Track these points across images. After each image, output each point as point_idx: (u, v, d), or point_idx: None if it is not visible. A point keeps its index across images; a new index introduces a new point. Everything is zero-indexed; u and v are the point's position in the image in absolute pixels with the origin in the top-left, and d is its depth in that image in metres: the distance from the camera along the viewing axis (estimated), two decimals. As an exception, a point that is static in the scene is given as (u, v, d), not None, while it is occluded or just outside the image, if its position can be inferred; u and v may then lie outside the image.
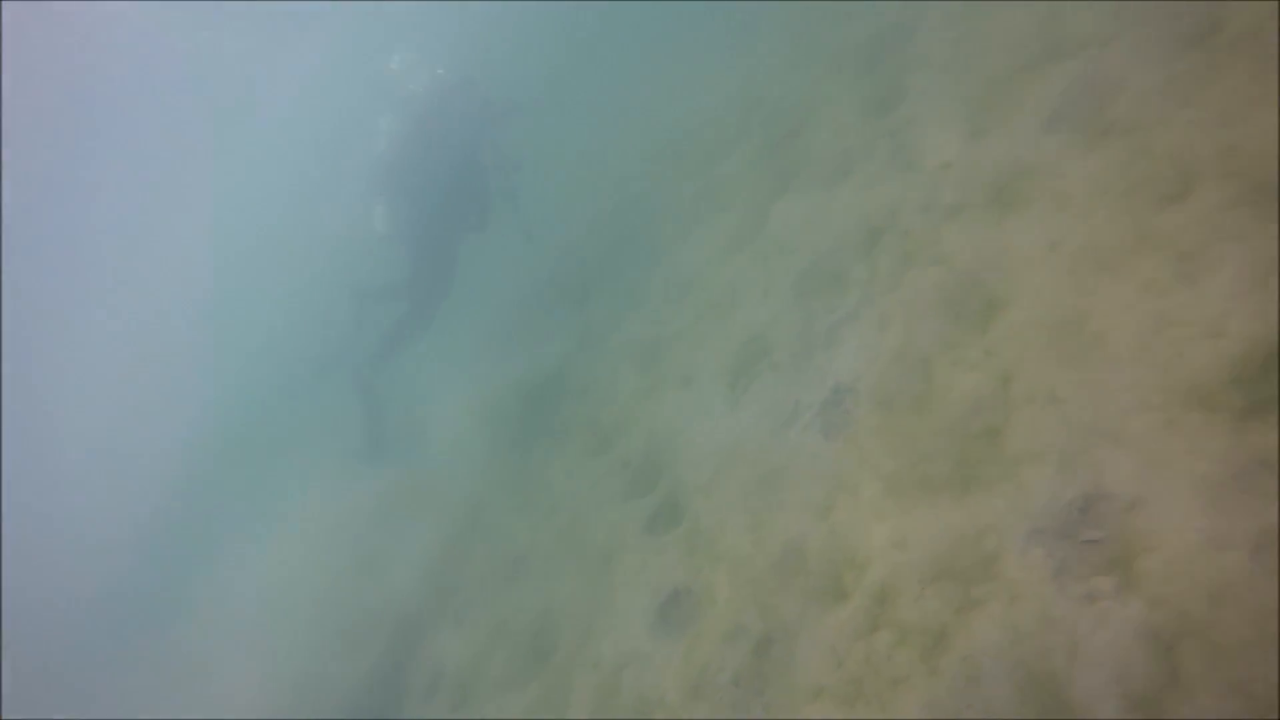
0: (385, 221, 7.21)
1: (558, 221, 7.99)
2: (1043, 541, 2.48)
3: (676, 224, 6.50)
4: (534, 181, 7.48)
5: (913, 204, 4.04)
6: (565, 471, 5.48)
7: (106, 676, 7.56)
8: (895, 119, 4.73)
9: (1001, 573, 2.54)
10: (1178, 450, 2.32)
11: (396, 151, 7.07)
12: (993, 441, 2.90)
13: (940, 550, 2.77)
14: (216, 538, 8.47)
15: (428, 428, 7.48)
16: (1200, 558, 2.10)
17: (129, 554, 9.49)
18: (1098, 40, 3.68)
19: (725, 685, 3.22)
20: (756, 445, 3.97)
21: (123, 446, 12.13)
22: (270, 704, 6.03)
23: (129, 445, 12.00)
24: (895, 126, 4.66)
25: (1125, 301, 2.74)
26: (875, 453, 3.30)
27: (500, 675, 4.67)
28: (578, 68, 11.70)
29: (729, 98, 7.38)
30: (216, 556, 8.19)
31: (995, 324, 3.18)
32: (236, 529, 8.35)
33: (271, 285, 13.30)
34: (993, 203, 3.59)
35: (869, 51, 5.57)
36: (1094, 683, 2.13)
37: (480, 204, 7.30)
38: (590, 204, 8.59)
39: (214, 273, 14.88)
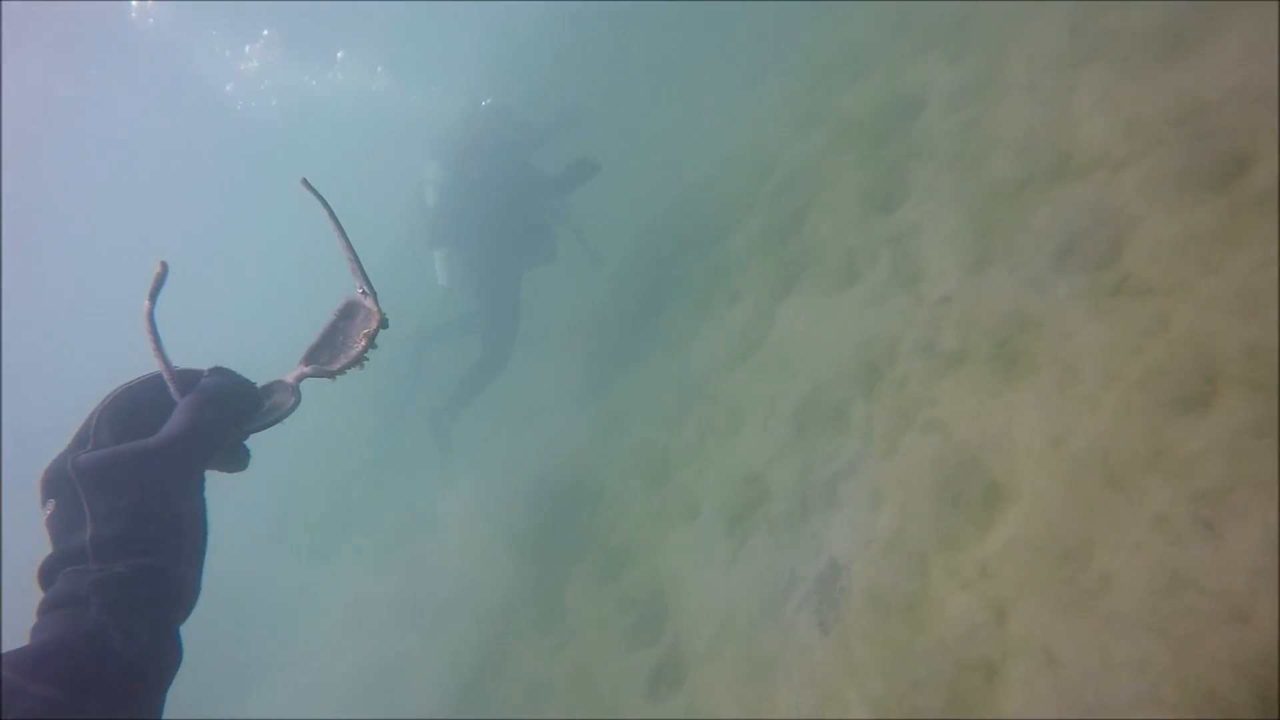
0: (446, 273, 7.10)
1: (593, 272, 7.81)
2: None
3: (690, 307, 6.17)
4: (584, 206, 7.34)
5: (912, 341, 3.63)
6: (579, 593, 5.26)
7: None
8: (899, 221, 4.29)
9: None
10: (1192, 774, 1.92)
11: (446, 199, 6.83)
12: (988, 683, 2.53)
13: (929, 828, 2.42)
14: (253, 635, 8.60)
15: (445, 523, 7.38)
16: None
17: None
18: (1109, 162, 3.20)
19: None
20: (752, 618, 3.65)
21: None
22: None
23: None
24: (898, 231, 4.23)
25: (1135, 538, 2.32)
26: (865, 664, 2.95)
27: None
28: (599, 104, 11.41)
29: (740, 155, 6.97)
30: (252, 653, 8.32)
31: (995, 525, 2.78)
32: (275, 621, 8.47)
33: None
34: (995, 358, 3.17)
35: (876, 126, 5.11)
36: None
37: (543, 233, 7.15)
38: (611, 264, 8.31)
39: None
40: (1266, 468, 2.10)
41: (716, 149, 7.65)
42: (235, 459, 0.96)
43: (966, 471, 3.01)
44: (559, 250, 7.38)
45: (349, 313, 1.08)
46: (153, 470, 0.81)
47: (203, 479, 0.89)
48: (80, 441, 0.84)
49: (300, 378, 1.04)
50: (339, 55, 11.37)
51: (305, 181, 1.07)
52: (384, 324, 1.07)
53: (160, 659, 0.78)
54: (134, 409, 0.88)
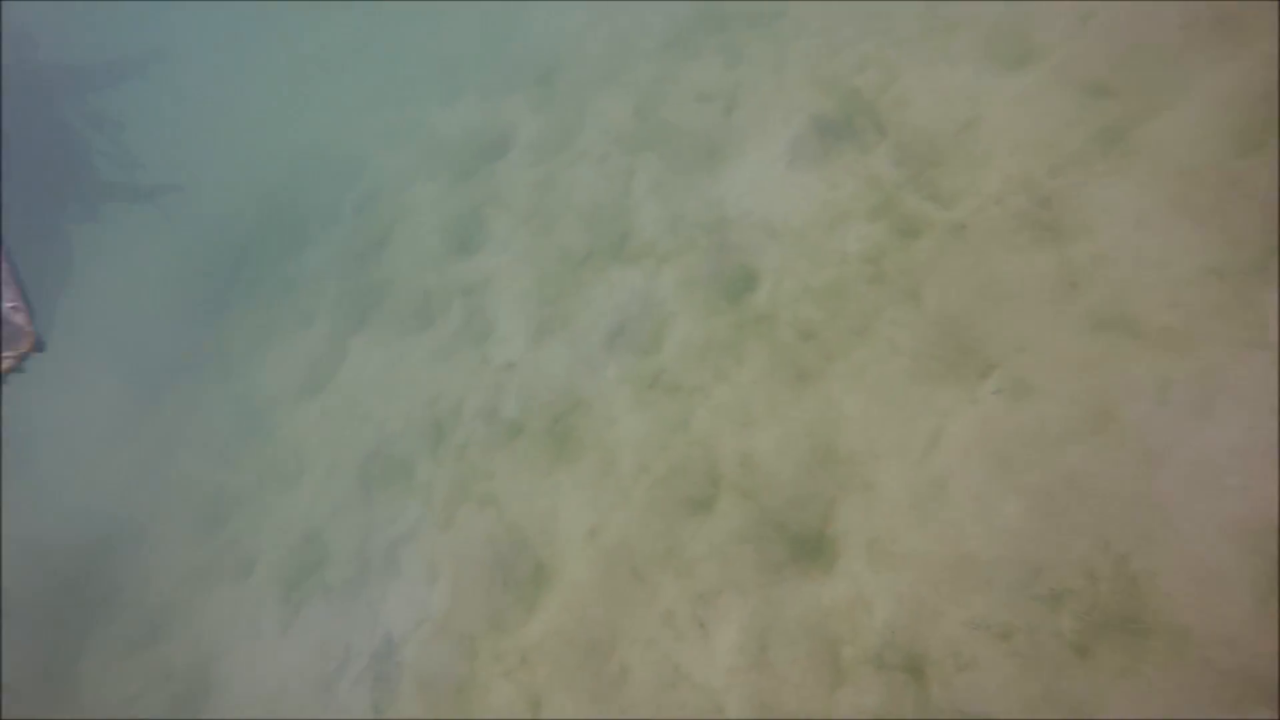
0: None
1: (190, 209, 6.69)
2: None
3: (258, 321, 5.56)
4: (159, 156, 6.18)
5: (477, 405, 3.65)
6: (100, 665, 4.46)
7: None
8: (474, 269, 4.29)
9: None
10: None
11: None
12: (525, 770, 2.65)
13: None
14: None
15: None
16: None
17: None
18: (656, 253, 3.51)
19: None
20: (303, 699, 3.41)
21: None
22: None
23: None
24: (472, 281, 4.23)
25: (648, 633, 2.59)
26: (414, 754, 2.92)
27: None
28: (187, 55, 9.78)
29: (326, 153, 6.46)
30: None
31: (538, 611, 2.91)
32: None
33: None
34: (549, 434, 3.31)
35: (466, 158, 5.05)
36: None
37: (84, 185, 5.85)
38: (172, 250, 7.18)
39: None
40: (746, 573, 2.46)
41: (299, 140, 6.98)
42: None
43: (516, 552, 3.11)
44: (104, 207, 6.25)
45: None
46: None
47: None
48: None
49: None
50: None
51: None
52: (39, 347, 0.85)
53: None
54: None
